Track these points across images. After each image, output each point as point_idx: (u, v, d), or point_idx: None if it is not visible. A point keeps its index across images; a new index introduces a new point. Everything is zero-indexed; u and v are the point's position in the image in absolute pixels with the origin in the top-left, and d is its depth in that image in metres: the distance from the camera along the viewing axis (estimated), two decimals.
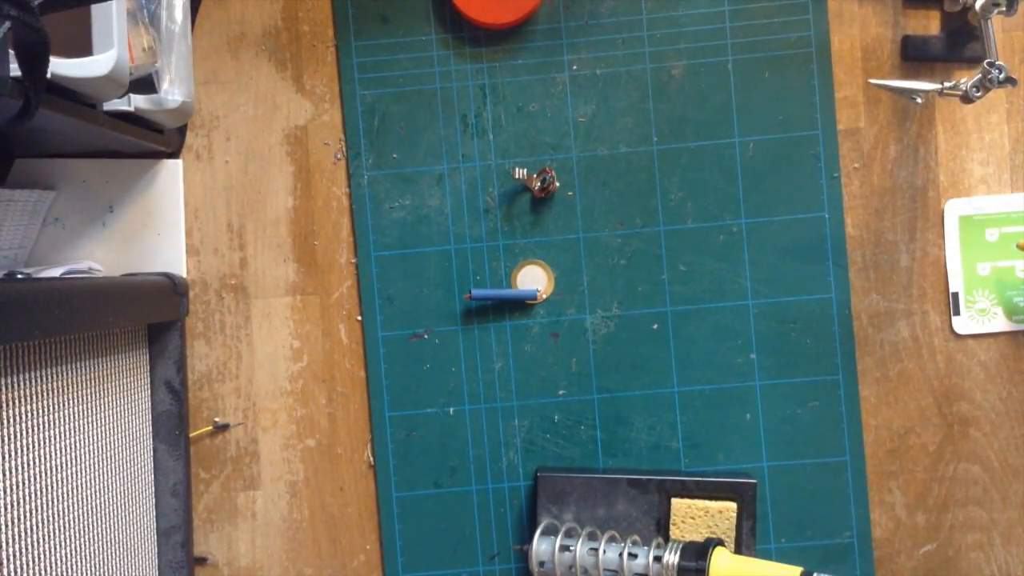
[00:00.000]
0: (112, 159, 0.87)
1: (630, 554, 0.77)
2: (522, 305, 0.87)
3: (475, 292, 0.85)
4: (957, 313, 0.86)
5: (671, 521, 0.82)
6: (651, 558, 0.77)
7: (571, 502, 0.84)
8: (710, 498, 0.82)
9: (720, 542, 0.77)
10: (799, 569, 0.72)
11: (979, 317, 0.86)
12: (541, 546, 0.81)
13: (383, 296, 0.87)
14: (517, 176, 0.83)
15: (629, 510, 0.83)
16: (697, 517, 0.82)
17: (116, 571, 0.74)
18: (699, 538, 0.81)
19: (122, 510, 0.75)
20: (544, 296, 0.87)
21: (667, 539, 0.82)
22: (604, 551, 0.78)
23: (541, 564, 0.80)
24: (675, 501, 0.82)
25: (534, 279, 0.87)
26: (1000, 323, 0.86)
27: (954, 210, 0.87)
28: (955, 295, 0.86)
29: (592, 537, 0.81)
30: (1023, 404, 0.86)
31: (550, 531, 0.82)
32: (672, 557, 0.75)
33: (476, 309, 0.87)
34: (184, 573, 0.83)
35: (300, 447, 0.88)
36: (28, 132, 0.77)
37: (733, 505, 0.82)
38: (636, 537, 0.81)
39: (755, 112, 0.87)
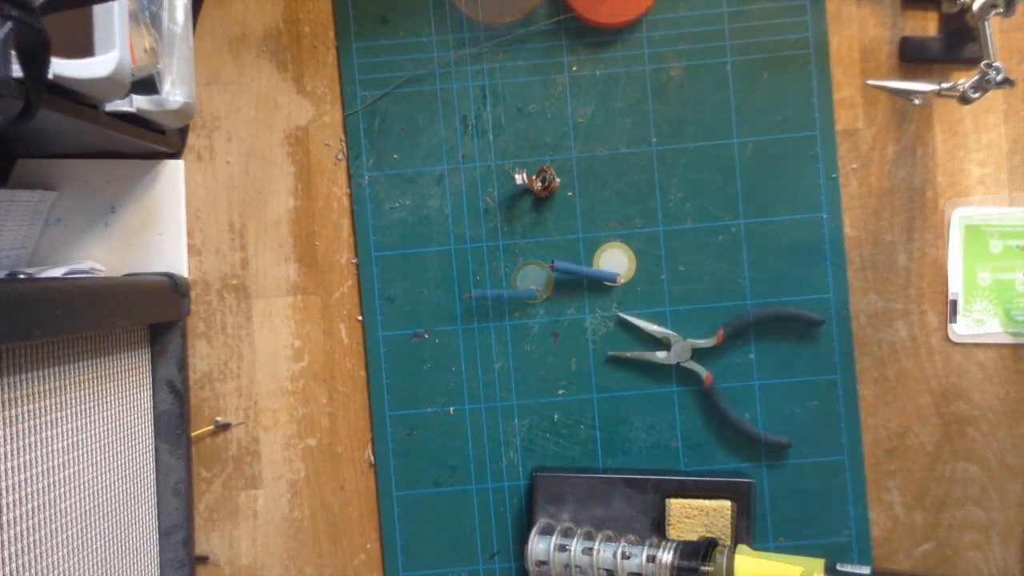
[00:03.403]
0: (114, 160, 0.87)
1: (624, 554, 0.78)
2: (522, 305, 0.87)
3: (559, 264, 0.85)
4: (954, 320, 0.86)
5: (668, 521, 0.82)
6: (645, 557, 0.77)
7: (568, 502, 0.84)
8: (707, 497, 0.83)
9: (716, 541, 0.77)
10: (822, 561, 0.73)
11: (975, 326, 0.86)
12: (538, 545, 0.81)
13: (383, 296, 0.88)
14: (518, 180, 0.84)
15: (626, 510, 0.84)
16: (694, 516, 0.82)
17: (117, 570, 0.74)
18: (696, 537, 0.82)
19: (123, 509, 0.76)
20: (622, 280, 0.87)
21: (663, 538, 0.82)
22: (600, 551, 0.79)
23: (538, 563, 0.81)
24: (672, 500, 0.83)
25: (535, 279, 0.87)
26: (995, 334, 0.87)
27: (960, 218, 0.87)
28: (953, 302, 0.86)
29: (588, 537, 0.81)
30: (1021, 404, 0.87)
31: (547, 530, 0.82)
32: (667, 556, 0.76)
33: (476, 309, 0.87)
34: (185, 572, 0.83)
35: (301, 446, 0.88)
36: (30, 133, 0.77)
37: (729, 504, 0.82)
38: (632, 536, 0.81)
39: (754, 113, 0.87)
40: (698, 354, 0.86)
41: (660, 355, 0.86)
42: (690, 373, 0.86)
